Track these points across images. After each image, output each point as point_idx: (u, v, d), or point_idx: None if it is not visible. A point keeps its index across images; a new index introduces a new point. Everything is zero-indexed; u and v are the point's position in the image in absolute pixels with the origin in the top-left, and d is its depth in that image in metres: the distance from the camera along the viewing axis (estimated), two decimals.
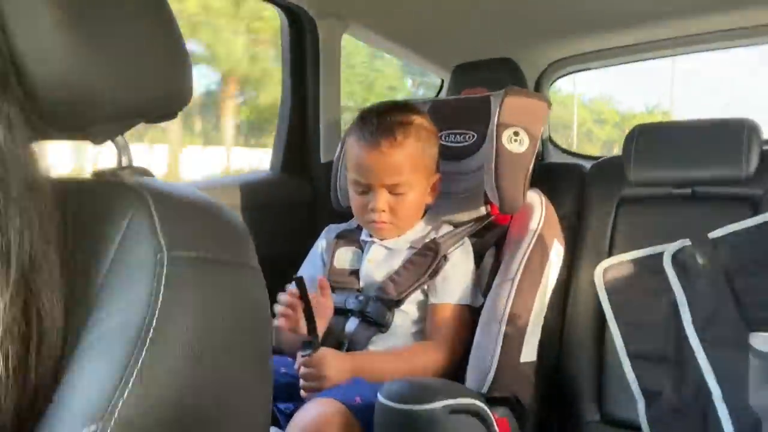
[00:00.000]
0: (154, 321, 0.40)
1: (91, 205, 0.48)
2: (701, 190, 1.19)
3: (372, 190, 1.09)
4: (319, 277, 1.10)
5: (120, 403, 0.37)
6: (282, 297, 1.01)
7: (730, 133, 1.17)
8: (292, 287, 1.00)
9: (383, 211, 1.09)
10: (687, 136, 1.22)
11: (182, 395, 0.39)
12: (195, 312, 0.42)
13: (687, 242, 1.13)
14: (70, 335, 0.41)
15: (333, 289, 1.14)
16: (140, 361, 0.38)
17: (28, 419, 0.39)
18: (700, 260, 1.10)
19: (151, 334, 0.39)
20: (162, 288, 0.41)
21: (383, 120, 1.08)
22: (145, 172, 0.54)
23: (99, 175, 0.53)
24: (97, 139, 0.50)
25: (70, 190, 0.50)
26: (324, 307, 1.06)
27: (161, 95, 0.52)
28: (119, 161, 0.54)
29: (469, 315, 1.09)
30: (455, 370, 1.04)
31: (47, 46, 0.43)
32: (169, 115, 0.55)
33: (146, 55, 0.50)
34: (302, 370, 0.96)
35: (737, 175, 1.15)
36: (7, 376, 0.38)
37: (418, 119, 1.11)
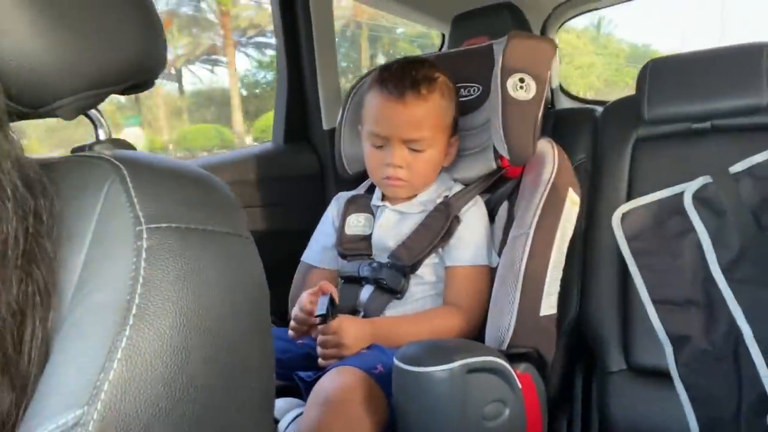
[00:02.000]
0: (137, 297, 0.38)
1: (70, 182, 0.46)
2: (720, 123, 1.13)
3: (390, 144, 1.05)
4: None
5: (105, 386, 0.35)
6: (298, 308, 0.97)
7: (748, 60, 1.10)
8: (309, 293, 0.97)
9: (400, 167, 1.05)
10: (702, 66, 1.15)
11: (173, 374, 0.38)
12: (180, 285, 0.39)
13: (708, 179, 1.08)
14: (56, 317, 0.40)
15: (345, 257, 1.12)
16: (124, 340, 0.36)
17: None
18: (722, 197, 1.05)
19: (134, 311, 0.37)
20: (143, 262, 0.39)
21: (408, 73, 1.04)
22: (125, 145, 0.52)
23: (77, 152, 0.51)
24: (68, 114, 0.48)
25: (51, 170, 0.48)
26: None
27: (131, 64, 0.49)
28: (96, 135, 0.52)
29: (487, 275, 1.05)
30: (477, 334, 1.01)
31: (5, 20, 0.40)
32: (143, 86, 0.53)
33: (112, 23, 0.47)
34: (320, 338, 0.93)
35: (758, 104, 1.09)
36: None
37: (442, 76, 1.07)
